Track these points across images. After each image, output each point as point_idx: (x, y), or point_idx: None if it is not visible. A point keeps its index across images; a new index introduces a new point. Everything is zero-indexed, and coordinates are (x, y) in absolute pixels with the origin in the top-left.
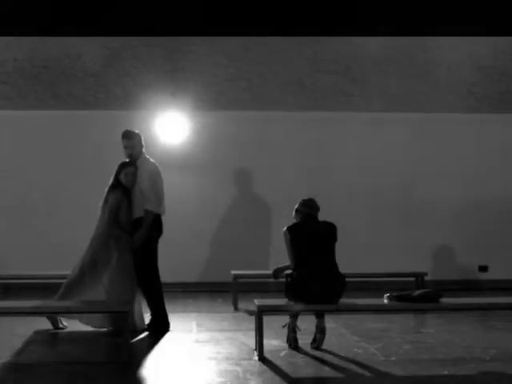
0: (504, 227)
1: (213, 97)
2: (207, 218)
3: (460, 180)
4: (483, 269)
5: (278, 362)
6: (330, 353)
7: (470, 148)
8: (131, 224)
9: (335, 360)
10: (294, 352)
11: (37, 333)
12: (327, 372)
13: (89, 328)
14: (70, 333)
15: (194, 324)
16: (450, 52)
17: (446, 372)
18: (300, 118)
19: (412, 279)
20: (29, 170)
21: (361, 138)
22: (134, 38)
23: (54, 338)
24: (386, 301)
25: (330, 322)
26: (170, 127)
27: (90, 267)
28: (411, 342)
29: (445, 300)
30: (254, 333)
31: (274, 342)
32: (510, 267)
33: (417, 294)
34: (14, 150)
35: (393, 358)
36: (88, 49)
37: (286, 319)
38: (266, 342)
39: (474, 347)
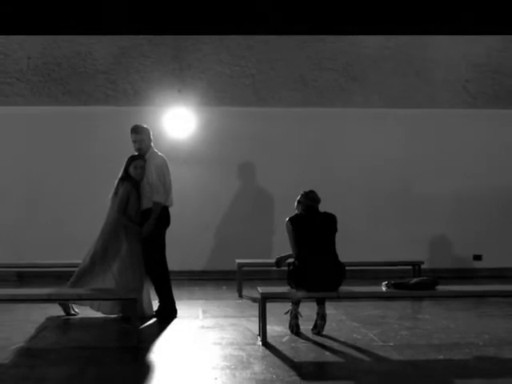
0: (497, 218)
1: (217, 93)
2: (212, 210)
3: (454, 173)
4: (477, 258)
5: (280, 347)
6: (330, 338)
7: (464, 143)
8: (140, 215)
9: (335, 345)
10: (295, 337)
11: (49, 319)
12: (328, 356)
13: (99, 314)
14: (82, 319)
15: (200, 310)
16: (446, 51)
17: (441, 357)
18: (301, 114)
19: (409, 268)
20: (42, 163)
21: (360, 133)
22: (142, 36)
23: (66, 324)
24: (384, 288)
25: (330, 308)
26: (177, 122)
27: (101, 256)
28: (408, 328)
29: (441, 287)
30: (257, 319)
31: (277, 328)
32: (503, 256)
33: (414, 282)
34: (28, 145)
35: (391, 344)
36: (98, 47)
37: (288, 306)
38: (269, 327)
39: (468, 333)
